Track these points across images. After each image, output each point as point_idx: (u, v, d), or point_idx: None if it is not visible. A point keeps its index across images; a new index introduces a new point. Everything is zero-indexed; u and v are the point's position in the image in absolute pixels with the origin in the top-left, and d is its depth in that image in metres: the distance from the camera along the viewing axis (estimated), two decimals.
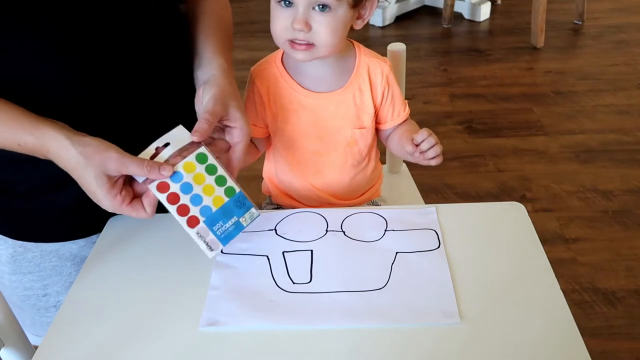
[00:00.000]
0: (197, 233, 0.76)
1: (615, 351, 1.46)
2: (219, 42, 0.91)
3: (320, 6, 0.83)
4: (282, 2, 0.84)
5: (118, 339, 0.70)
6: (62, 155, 0.74)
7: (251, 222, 0.80)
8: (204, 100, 0.81)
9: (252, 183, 1.16)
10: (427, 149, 0.89)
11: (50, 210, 0.90)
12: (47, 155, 0.75)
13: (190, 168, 0.77)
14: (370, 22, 3.26)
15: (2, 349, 0.78)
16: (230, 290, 0.75)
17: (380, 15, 3.23)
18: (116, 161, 0.72)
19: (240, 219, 0.79)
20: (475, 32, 3.23)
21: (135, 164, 0.73)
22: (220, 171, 0.79)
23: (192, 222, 0.76)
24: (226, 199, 0.78)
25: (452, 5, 3.19)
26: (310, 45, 0.86)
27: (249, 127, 0.83)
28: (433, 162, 0.90)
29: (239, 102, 0.83)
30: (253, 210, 0.80)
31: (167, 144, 0.78)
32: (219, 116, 0.80)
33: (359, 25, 0.91)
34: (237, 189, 0.79)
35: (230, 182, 0.79)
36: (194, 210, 0.76)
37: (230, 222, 0.78)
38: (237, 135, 0.82)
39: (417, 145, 0.89)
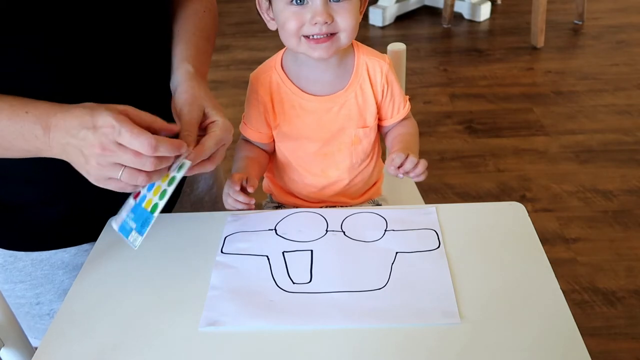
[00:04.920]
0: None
1: (615, 351, 1.46)
2: (190, 46, 0.90)
3: None
4: (294, 1, 0.84)
5: (118, 339, 0.70)
6: (71, 108, 0.70)
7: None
8: (178, 111, 0.80)
9: None
10: (411, 168, 0.88)
11: (41, 221, 0.89)
12: (50, 119, 0.71)
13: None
14: (370, 22, 3.27)
15: (2, 349, 0.78)
16: (230, 290, 0.75)
17: (380, 15, 3.23)
18: (129, 107, 0.71)
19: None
20: (475, 32, 3.23)
21: (145, 113, 0.72)
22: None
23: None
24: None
25: (452, 5, 3.19)
26: (331, 36, 0.85)
27: (226, 120, 0.81)
28: (422, 178, 0.89)
29: (212, 101, 0.82)
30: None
31: None
32: (197, 124, 0.79)
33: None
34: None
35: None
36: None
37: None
38: (212, 127, 0.80)
39: (399, 167, 0.88)
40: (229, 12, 3.46)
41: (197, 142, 0.77)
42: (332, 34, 0.85)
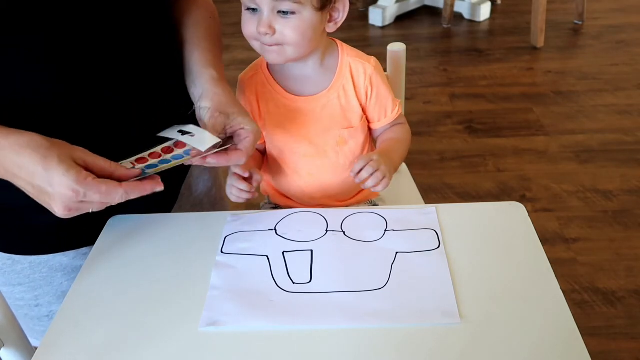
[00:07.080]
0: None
1: (615, 351, 1.46)
2: (208, 52, 0.91)
3: (283, 12, 0.84)
4: (249, 10, 0.87)
5: (118, 339, 0.70)
6: (18, 141, 0.69)
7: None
8: (205, 119, 0.81)
9: None
10: (367, 177, 0.88)
11: (39, 225, 0.88)
12: None
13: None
14: (370, 22, 3.26)
15: (2, 349, 0.78)
16: (230, 290, 0.75)
17: (380, 15, 3.23)
18: (84, 151, 0.70)
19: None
20: (475, 32, 3.23)
21: (102, 159, 0.71)
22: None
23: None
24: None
25: (452, 5, 3.19)
26: (278, 44, 0.87)
27: (256, 124, 0.82)
28: (379, 188, 0.89)
29: (239, 107, 0.83)
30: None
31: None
32: (221, 131, 0.80)
33: (331, 29, 0.91)
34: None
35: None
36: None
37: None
38: (243, 134, 0.81)
39: (357, 174, 0.88)
40: (228, 12, 3.42)
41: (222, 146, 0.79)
42: (279, 44, 0.87)
